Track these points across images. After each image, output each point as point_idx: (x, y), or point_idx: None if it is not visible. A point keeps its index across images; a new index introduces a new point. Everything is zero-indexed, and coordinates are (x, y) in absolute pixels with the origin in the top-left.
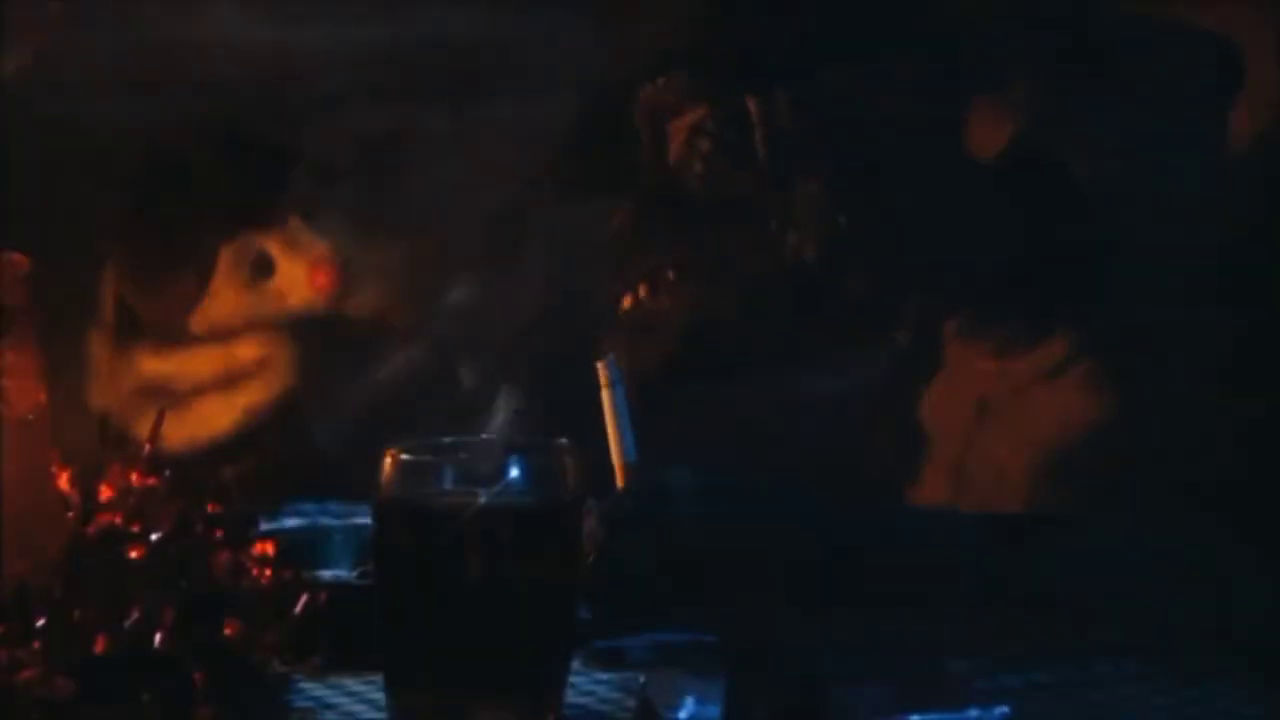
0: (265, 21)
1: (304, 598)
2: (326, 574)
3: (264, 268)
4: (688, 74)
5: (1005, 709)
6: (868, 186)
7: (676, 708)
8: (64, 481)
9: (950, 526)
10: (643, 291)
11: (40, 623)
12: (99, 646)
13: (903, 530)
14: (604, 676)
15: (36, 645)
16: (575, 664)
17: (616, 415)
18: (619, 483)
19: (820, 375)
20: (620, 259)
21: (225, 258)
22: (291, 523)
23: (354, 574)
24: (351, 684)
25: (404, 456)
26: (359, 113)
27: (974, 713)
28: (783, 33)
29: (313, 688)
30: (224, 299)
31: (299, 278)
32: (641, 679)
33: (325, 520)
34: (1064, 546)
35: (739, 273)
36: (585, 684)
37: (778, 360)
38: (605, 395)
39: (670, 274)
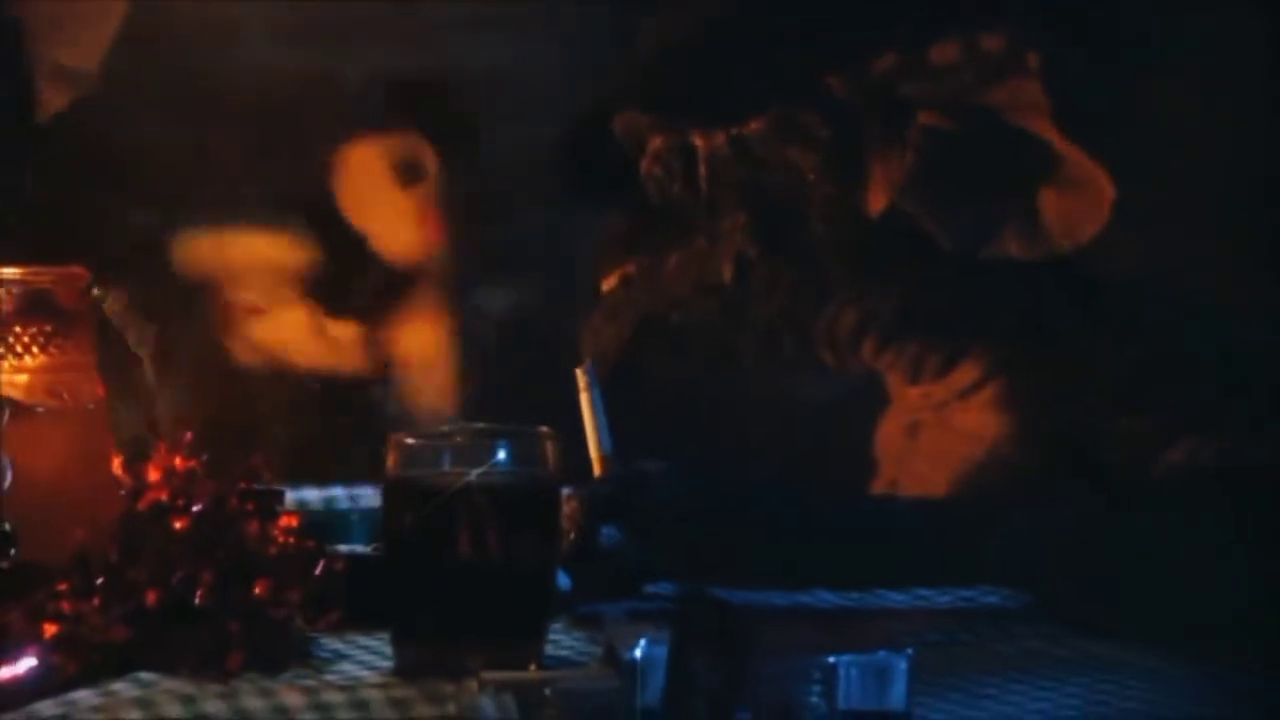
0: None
1: (322, 562)
2: (344, 548)
3: (414, 172)
4: (649, 111)
5: (910, 651)
6: (781, 223)
7: (632, 648)
8: (117, 464)
9: (899, 511)
10: (612, 283)
11: (99, 581)
12: (149, 601)
13: (856, 513)
14: (582, 635)
15: (97, 600)
16: (559, 626)
17: (594, 413)
18: (596, 471)
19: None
20: (601, 252)
21: (381, 146)
22: (316, 504)
23: (368, 548)
24: (362, 639)
25: (406, 440)
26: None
27: (882, 654)
28: (727, 83)
29: (330, 641)
30: (363, 186)
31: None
32: (609, 628)
33: (344, 503)
34: (999, 529)
35: (677, 281)
36: (565, 641)
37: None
38: (584, 397)
39: (633, 270)
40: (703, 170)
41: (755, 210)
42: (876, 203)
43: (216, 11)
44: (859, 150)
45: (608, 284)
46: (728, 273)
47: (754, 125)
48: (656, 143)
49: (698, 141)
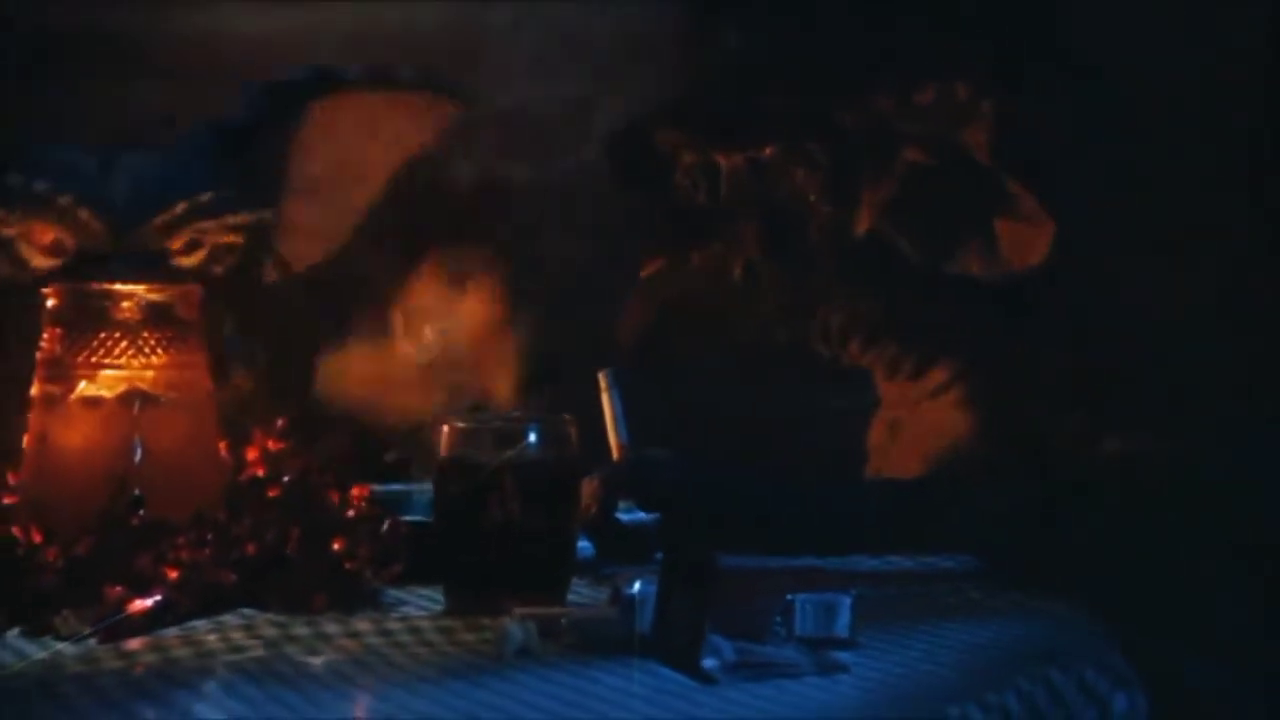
0: None
1: (387, 525)
2: (408, 519)
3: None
4: (681, 131)
5: (854, 592)
6: (784, 234)
7: (630, 587)
8: (223, 447)
9: (874, 491)
10: (648, 272)
11: (210, 536)
12: (250, 552)
13: (835, 493)
14: (602, 589)
15: (209, 551)
16: (585, 584)
17: (614, 409)
18: (615, 457)
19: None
20: (643, 246)
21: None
22: (391, 487)
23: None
24: (420, 590)
25: (455, 426)
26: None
27: (829, 596)
28: (749, 114)
29: (394, 590)
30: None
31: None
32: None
33: (411, 484)
34: (960, 508)
35: (696, 276)
36: (586, 592)
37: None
38: (605, 397)
39: (663, 263)
40: (724, 185)
41: (764, 221)
42: (863, 222)
43: None
44: (853, 177)
45: (645, 273)
46: (738, 272)
47: (768, 150)
48: (687, 159)
49: (721, 160)
